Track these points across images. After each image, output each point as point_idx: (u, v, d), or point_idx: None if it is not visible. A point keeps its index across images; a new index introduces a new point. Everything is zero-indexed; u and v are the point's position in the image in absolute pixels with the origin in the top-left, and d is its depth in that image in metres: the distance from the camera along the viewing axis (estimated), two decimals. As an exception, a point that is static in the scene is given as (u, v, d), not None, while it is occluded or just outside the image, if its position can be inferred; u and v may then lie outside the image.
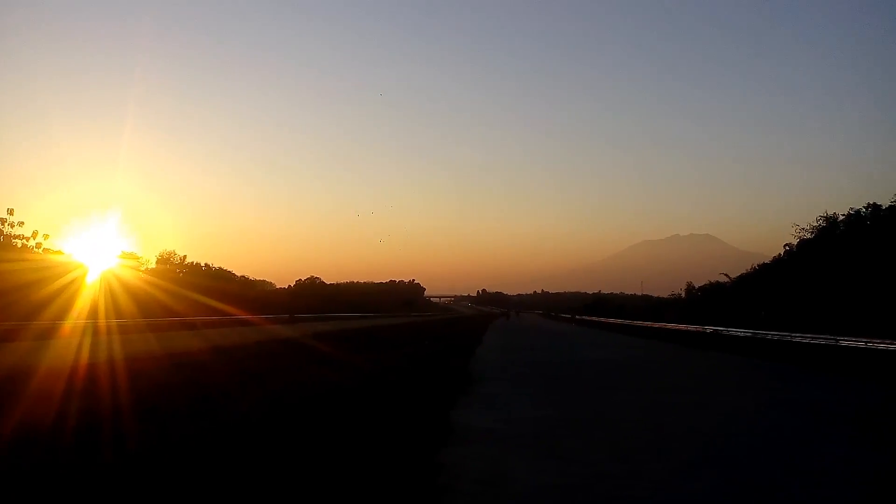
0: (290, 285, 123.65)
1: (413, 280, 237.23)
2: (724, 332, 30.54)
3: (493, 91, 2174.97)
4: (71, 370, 11.85)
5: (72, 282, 37.45)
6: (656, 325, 44.63)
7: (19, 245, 43.01)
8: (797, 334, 24.01)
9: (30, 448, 6.24)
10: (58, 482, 5.27)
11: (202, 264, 77.07)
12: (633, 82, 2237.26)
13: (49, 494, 5.04)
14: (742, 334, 28.58)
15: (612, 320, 59.17)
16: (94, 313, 33.67)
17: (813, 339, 22.34)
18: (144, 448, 6.27)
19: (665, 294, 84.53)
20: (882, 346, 18.45)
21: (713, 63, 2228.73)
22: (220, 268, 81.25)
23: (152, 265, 66.37)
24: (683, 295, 64.05)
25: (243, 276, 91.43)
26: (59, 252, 46.07)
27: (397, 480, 5.54)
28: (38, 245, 45.03)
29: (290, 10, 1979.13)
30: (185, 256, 73.69)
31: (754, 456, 6.82)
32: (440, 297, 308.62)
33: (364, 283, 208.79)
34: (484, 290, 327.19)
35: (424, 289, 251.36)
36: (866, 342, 19.36)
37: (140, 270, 58.83)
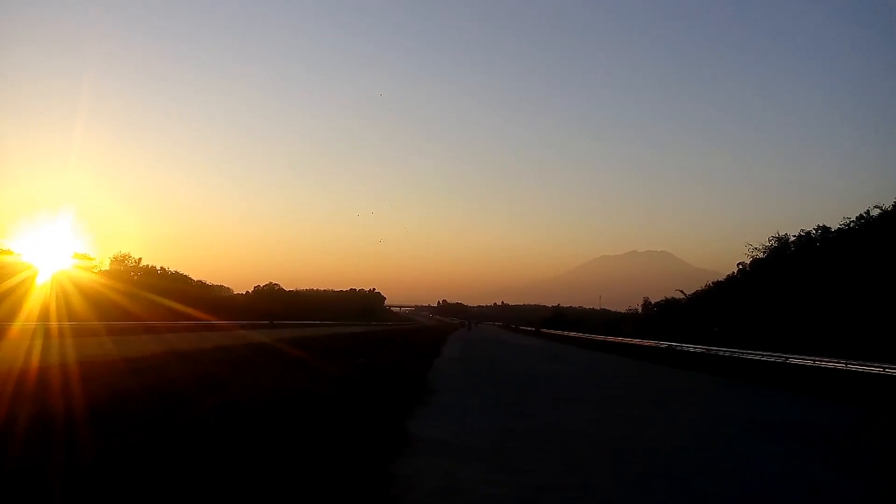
0: (248, 291, 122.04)
1: (373, 289, 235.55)
2: (678, 348, 31.11)
3: (455, 105, 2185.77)
4: (20, 374, 11.55)
5: (22, 283, 36.49)
6: (617, 339, 45.24)
7: (-33, 244, 41.82)
8: (748, 351, 24.58)
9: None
10: (5, 490, 5.17)
11: (158, 267, 75.79)
12: (594, 103, 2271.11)
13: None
14: (695, 350, 29.16)
15: (576, 334, 59.60)
16: (45, 315, 32.80)
17: (763, 356, 22.90)
18: (97, 455, 6.17)
19: (622, 309, 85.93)
20: (829, 364, 19.04)
21: (671, 86, 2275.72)
22: (176, 271, 80.00)
23: (106, 267, 65.04)
24: (640, 310, 65.09)
25: (200, 281, 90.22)
26: (8, 252, 44.92)
27: (349, 492, 5.57)
28: (-12, 244, 43.82)
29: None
30: (140, 259, 72.44)
31: (703, 469, 7.01)
32: (400, 307, 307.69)
33: (324, 290, 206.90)
34: (444, 301, 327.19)
35: (385, 298, 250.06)
36: (814, 360, 19.95)
37: (93, 272, 57.56)
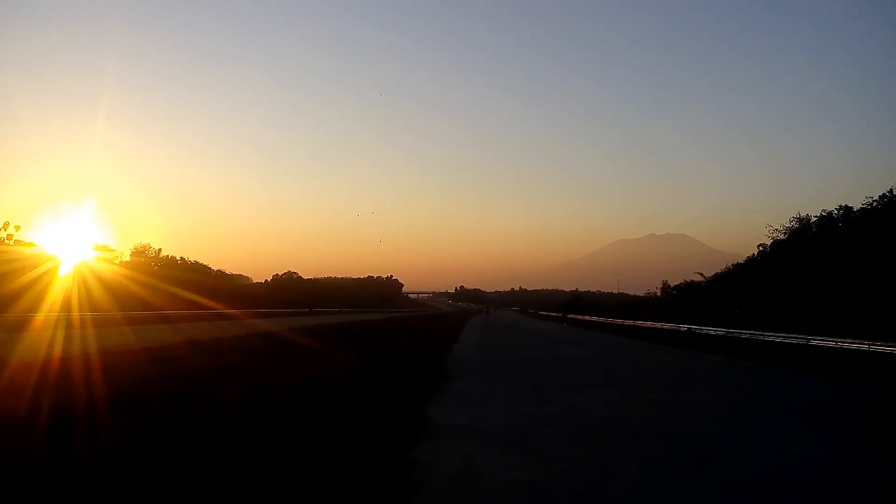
0: (266, 280, 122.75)
1: (391, 276, 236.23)
2: (698, 331, 30.88)
3: (473, 89, 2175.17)
4: (43, 364, 11.70)
5: (44, 274, 36.91)
6: (635, 323, 45.07)
7: (-10, 236, 42.41)
8: (769, 333, 24.35)
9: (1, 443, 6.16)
10: (30, 477, 5.23)
11: (178, 258, 76.39)
12: (612, 84, 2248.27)
13: (21, 490, 5.00)
14: (715, 333, 28.93)
15: (595, 318, 59.26)
16: (67, 306, 33.21)
17: (784, 338, 22.67)
18: (119, 443, 6.23)
19: (641, 292, 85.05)
20: (851, 345, 18.80)
21: (690, 66, 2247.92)
22: (195, 261, 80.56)
23: (127, 258, 65.64)
24: (659, 293, 64.53)
25: (219, 271, 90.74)
26: (31, 244, 45.40)
27: (370, 477, 5.57)
28: (10, 237, 44.39)
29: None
30: (160, 250, 72.98)
31: (724, 452, 6.95)
32: (418, 294, 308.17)
33: (342, 278, 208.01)
34: (462, 287, 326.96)
35: (402, 285, 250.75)
36: (836, 342, 19.70)
37: (114, 263, 58.14)
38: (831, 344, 19.71)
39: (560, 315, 76.73)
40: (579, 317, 66.73)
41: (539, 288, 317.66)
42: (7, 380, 9.90)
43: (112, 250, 61.40)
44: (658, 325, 38.95)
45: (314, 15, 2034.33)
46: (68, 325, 25.67)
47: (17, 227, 45.05)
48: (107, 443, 6.22)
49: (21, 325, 24.63)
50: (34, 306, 30.53)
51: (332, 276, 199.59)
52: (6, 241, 43.77)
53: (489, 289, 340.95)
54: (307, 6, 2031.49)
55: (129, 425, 7.01)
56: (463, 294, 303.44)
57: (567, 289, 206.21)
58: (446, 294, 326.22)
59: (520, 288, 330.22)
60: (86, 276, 42.58)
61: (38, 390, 8.84)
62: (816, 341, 20.58)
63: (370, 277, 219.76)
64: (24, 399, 8.11)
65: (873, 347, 17.80)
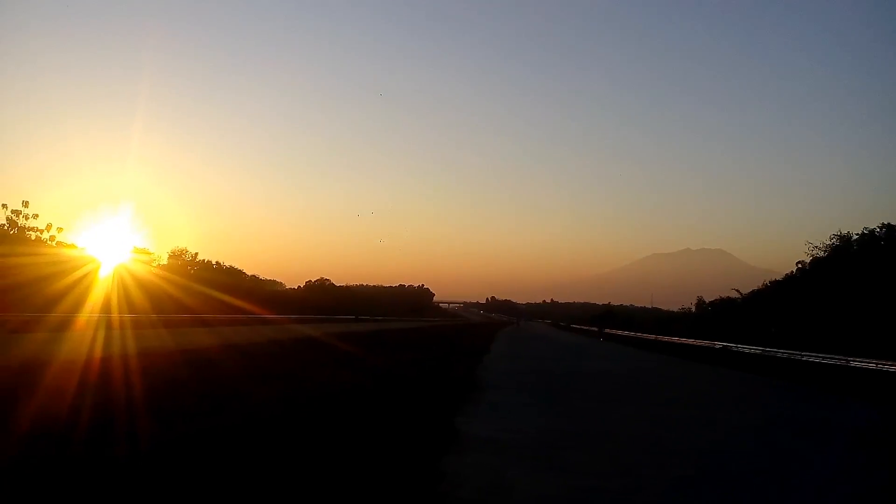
0: (300, 286, 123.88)
1: (422, 285, 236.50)
2: (734, 349, 30.41)
3: (507, 99, 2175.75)
4: (85, 364, 12.02)
5: (85, 276, 37.80)
6: (668, 339, 44.65)
7: (33, 237, 43.56)
8: (807, 353, 23.87)
9: (43, 441, 6.36)
10: (70, 476, 5.40)
11: (213, 262, 77.48)
12: (647, 95, 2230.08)
13: (62, 488, 5.16)
14: (751, 351, 28.46)
15: (628, 333, 58.84)
16: (107, 307, 33.98)
17: (823, 358, 22.20)
18: (156, 443, 6.39)
19: (675, 308, 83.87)
20: (894, 368, 18.33)
21: (727, 78, 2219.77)
22: (231, 266, 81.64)
23: (164, 261, 66.84)
24: (693, 309, 63.68)
25: (254, 276, 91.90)
26: (72, 246, 46.58)
27: (399, 487, 5.63)
28: (52, 238, 45.55)
29: (302, 10, 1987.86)
30: (196, 254, 74.10)
31: (755, 474, 6.86)
32: (449, 303, 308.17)
33: (373, 286, 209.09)
34: (493, 298, 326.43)
35: (434, 294, 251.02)
36: (877, 364, 19.24)
37: (152, 266, 59.28)
38: (872, 366, 19.26)
39: (595, 329, 74.69)
40: (614, 331, 65.98)
41: (571, 300, 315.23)
42: (51, 378, 10.20)
43: (150, 253, 62.61)
44: (692, 341, 38.47)
45: (362, 24, 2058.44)
46: (108, 325, 26.24)
47: (60, 229, 46.25)
48: (143, 442, 6.39)
49: (64, 325, 25.26)
50: (76, 307, 31.27)
51: (364, 284, 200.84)
52: (49, 243, 44.97)
53: (521, 300, 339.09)
54: (349, 14, 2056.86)
55: (163, 425, 7.17)
56: (494, 305, 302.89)
57: (600, 302, 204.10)
58: (477, 305, 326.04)
59: (552, 300, 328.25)
60: (125, 278, 43.51)
61: (80, 389, 9.10)
62: (856, 363, 20.13)
63: (402, 286, 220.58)
64: (67, 397, 8.36)
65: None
